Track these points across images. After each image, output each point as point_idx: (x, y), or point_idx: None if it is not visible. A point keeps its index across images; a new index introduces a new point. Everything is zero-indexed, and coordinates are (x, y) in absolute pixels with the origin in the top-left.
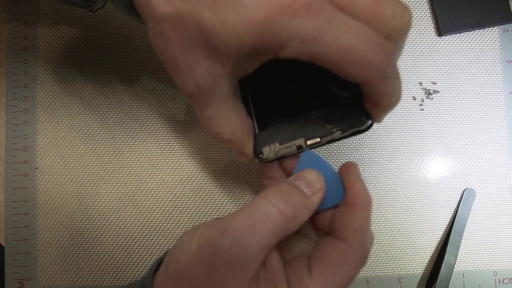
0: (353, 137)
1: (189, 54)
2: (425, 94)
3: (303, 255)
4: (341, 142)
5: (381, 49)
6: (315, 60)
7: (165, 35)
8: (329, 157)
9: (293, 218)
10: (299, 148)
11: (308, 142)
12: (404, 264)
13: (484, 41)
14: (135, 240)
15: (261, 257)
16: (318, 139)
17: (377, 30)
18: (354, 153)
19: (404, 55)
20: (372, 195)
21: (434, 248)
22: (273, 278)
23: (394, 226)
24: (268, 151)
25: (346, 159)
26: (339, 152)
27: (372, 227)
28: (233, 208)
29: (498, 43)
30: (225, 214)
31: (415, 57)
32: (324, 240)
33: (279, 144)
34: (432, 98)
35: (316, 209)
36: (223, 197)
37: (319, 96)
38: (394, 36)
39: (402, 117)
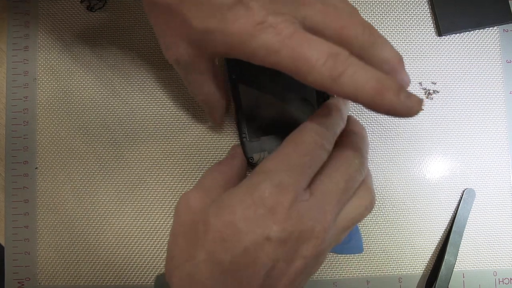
0: None
1: (173, 37)
2: (425, 94)
3: None
4: None
5: (331, 58)
6: (278, 68)
7: (155, 17)
8: None
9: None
10: None
11: None
12: (404, 264)
13: (484, 41)
14: (135, 240)
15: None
16: None
17: (346, 48)
18: None
19: (404, 55)
20: None
21: (434, 248)
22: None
23: (394, 226)
24: (258, 157)
25: None
26: None
27: (372, 227)
28: None
29: (498, 43)
30: None
31: (415, 57)
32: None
33: (268, 153)
34: (432, 98)
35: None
36: None
37: (308, 110)
38: (362, 50)
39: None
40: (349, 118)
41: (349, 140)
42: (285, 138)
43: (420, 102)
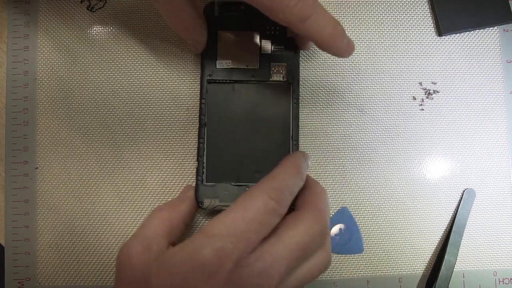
0: (353, 140)
1: None
2: (425, 94)
3: None
4: (340, 141)
5: (301, 0)
6: (253, 3)
7: None
8: (329, 156)
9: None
10: None
11: None
12: (404, 264)
13: (484, 41)
14: None
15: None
16: None
17: None
18: (354, 153)
19: (404, 55)
20: (372, 195)
21: (434, 248)
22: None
23: (394, 226)
24: (208, 203)
25: (345, 158)
26: (339, 151)
27: (372, 227)
28: None
29: (498, 43)
30: None
31: (415, 57)
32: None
33: (219, 201)
34: (432, 98)
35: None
36: None
37: (269, 166)
38: None
39: (402, 117)
40: (309, 179)
41: (313, 203)
42: (241, 189)
43: (353, 46)
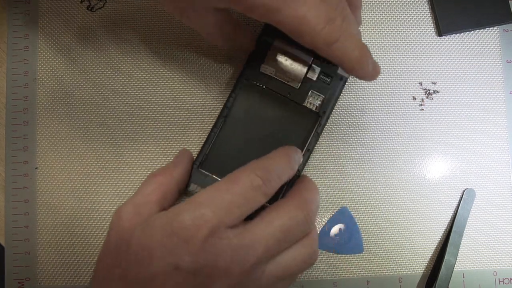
0: (353, 140)
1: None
2: (425, 94)
3: None
4: (339, 142)
5: (328, 23)
6: (277, 25)
7: None
8: (329, 156)
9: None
10: None
11: None
12: (404, 264)
13: (484, 41)
14: None
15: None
16: None
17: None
18: (354, 152)
19: (404, 55)
20: (372, 195)
21: (434, 248)
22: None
23: (394, 226)
24: (194, 188)
25: (345, 158)
26: (339, 151)
27: (372, 227)
28: None
29: (498, 43)
30: None
31: (415, 57)
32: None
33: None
34: (432, 98)
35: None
36: None
37: None
38: (351, 7)
39: (402, 117)
40: (305, 178)
41: (299, 193)
42: None
43: (379, 69)
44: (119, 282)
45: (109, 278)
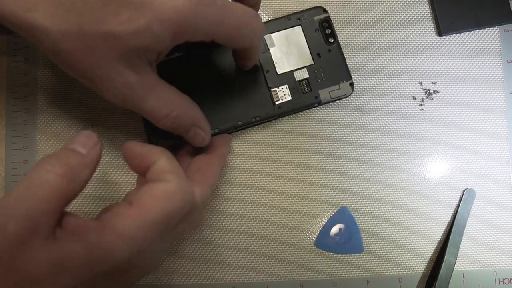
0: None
1: (103, 65)
2: (425, 94)
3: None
4: (339, 142)
5: (257, 17)
6: (218, 39)
7: (69, 52)
8: (329, 156)
9: (73, 178)
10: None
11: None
12: (404, 264)
13: (484, 41)
14: None
15: (51, 220)
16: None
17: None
18: (354, 153)
19: (404, 55)
20: (372, 195)
21: (434, 248)
22: (77, 230)
23: (394, 226)
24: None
25: (345, 158)
26: (339, 151)
27: (372, 227)
28: (231, 208)
29: (498, 43)
30: (223, 214)
31: (415, 57)
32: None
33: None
34: (432, 98)
35: (97, 164)
36: (222, 196)
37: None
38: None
39: (402, 117)
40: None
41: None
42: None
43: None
44: None
45: None
